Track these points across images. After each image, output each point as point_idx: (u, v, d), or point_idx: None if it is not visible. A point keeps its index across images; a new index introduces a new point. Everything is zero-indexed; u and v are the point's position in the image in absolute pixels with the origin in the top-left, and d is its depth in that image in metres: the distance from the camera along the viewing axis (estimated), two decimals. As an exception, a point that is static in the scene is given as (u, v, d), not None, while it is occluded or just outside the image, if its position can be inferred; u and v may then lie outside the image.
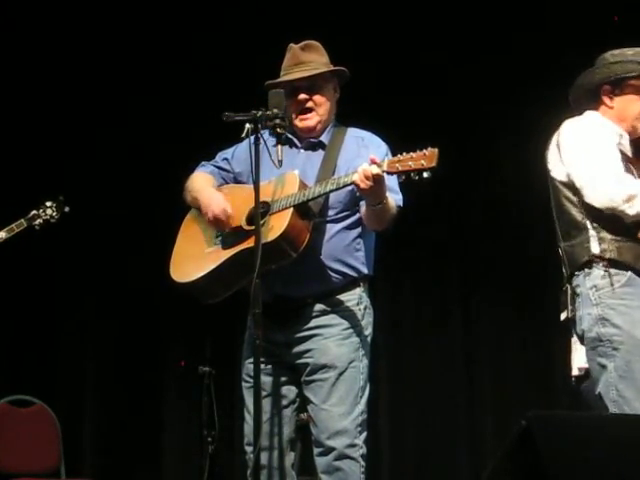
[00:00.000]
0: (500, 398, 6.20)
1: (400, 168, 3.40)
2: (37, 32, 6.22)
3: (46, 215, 4.98)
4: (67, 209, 5.03)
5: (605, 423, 3.04)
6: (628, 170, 3.82)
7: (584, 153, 3.79)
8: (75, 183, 6.32)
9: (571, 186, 3.82)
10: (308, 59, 3.80)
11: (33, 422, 5.94)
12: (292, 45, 3.85)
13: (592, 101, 3.96)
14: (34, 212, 4.96)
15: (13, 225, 4.88)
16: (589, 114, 3.94)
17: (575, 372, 3.92)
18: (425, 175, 3.37)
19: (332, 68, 3.83)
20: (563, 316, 3.85)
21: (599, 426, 2.91)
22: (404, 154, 3.42)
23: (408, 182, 3.43)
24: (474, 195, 6.29)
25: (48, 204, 5.00)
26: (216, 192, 3.80)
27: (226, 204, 3.70)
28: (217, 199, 3.74)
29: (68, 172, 6.33)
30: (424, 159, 3.36)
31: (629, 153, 3.89)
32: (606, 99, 3.92)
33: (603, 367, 3.71)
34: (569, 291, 3.82)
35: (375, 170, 3.41)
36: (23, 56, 6.20)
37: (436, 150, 3.36)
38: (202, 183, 3.88)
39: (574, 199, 3.82)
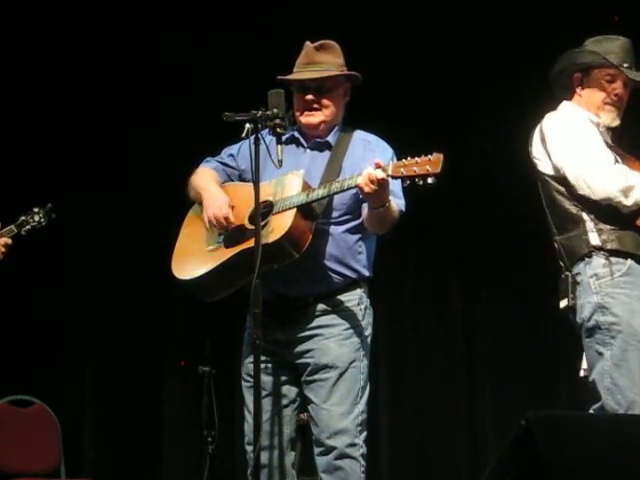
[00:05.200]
0: (500, 398, 6.20)
1: (405, 173, 3.39)
2: (30, 33, 6.21)
3: (34, 222, 5.02)
4: (54, 216, 5.07)
5: (605, 423, 3.04)
6: (616, 160, 3.83)
7: (573, 146, 3.81)
8: (74, 183, 6.33)
9: (561, 180, 3.83)
10: (321, 60, 3.77)
11: (33, 422, 5.94)
12: (308, 43, 3.82)
13: (568, 87, 3.98)
14: (23, 218, 5.00)
15: (3, 231, 4.91)
16: (567, 107, 3.96)
17: (582, 373, 3.93)
18: (429, 181, 3.36)
19: (343, 72, 3.80)
20: (563, 304, 3.85)
21: (599, 426, 2.91)
22: (409, 159, 3.42)
23: (412, 187, 3.43)
24: (474, 196, 6.29)
25: (36, 210, 5.04)
26: (221, 192, 3.78)
27: (228, 210, 3.66)
28: (221, 201, 3.71)
29: (66, 173, 6.34)
30: (429, 164, 3.36)
31: (609, 141, 3.91)
32: (577, 87, 3.95)
33: (600, 354, 3.73)
34: (569, 279, 3.82)
35: (380, 174, 3.41)
36: (14, 60, 6.19)
37: (441, 156, 3.36)
38: (207, 180, 3.85)
39: (566, 192, 3.83)
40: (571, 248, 3.83)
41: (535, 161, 3.92)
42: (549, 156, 3.86)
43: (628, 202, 3.72)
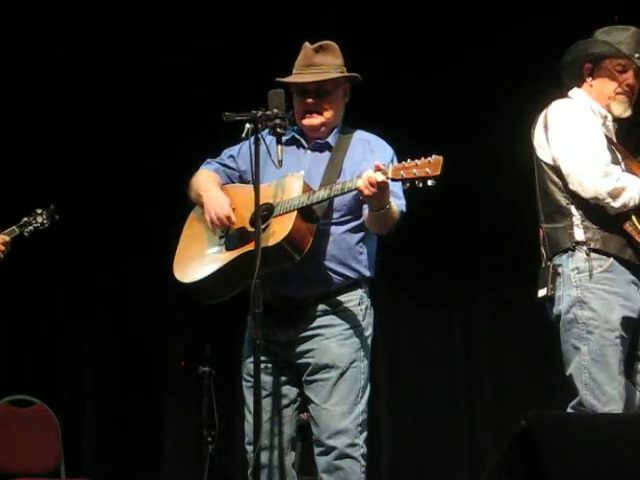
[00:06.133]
0: (500, 398, 6.21)
1: (404, 175, 3.40)
2: (30, 33, 6.21)
3: (37, 223, 5.01)
4: (57, 217, 5.07)
5: (605, 423, 3.04)
6: (614, 157, 3.83)
7: (572, 140, 3.80)
8: (75, 183, 6.34)
9: (557, 170, 3.83)
10: (319, 62, 3.75)
11: (33, 422, 5.94)
12: (306, 44, 3.80)
13: (578, 77, 3.97)
14: (25, 219, 5.00)
15: (5, 232, 4.90)
16: (576, 95, 3.95)
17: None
18: (429, 183, 3.37)
19: (343, 74, 3.78)
20: (542, 293, 3.84)
21: (599, 426, 2.91)
22: (409, 161, 3.42)
23: (412, 189, 3.43)
24: (475, 196, 6.29)
25: (39, 211, 5.04)
26: (221, 194, 3.77)
27: (230, 210, 3.66)
28: (222, 201, 3.71)
29: (67, 174, 6.35)
30: (429, 167, 3.36)
31: (613, 136, 3.91)
32: (587, 78, 3.94)
33: (577, 349, 3.73)
34: (550, 269, 3.82)
35: (380, 177, 3.41)
36: (14, 61, 6.20)
37: (441, 158, 3.36)
38: (207, 182, 3.84)
39: (559, 183, 3.83)
40: (555, 239, 3.84)
41: (535, 146, 3.92)
42: (549, 144, 3.86)
43: (616, 204, 3.72)
